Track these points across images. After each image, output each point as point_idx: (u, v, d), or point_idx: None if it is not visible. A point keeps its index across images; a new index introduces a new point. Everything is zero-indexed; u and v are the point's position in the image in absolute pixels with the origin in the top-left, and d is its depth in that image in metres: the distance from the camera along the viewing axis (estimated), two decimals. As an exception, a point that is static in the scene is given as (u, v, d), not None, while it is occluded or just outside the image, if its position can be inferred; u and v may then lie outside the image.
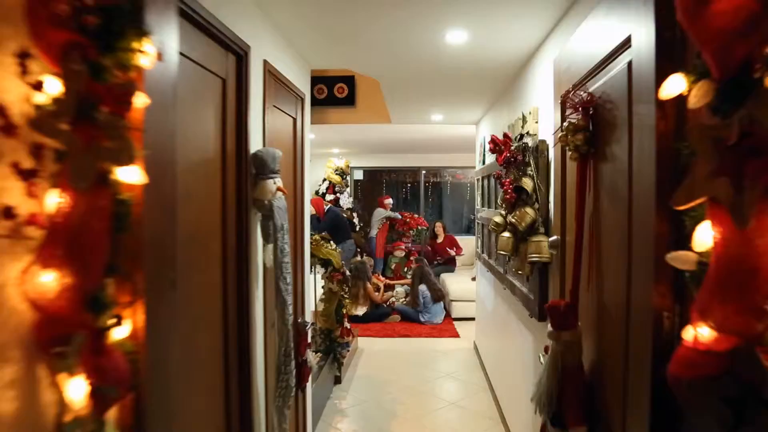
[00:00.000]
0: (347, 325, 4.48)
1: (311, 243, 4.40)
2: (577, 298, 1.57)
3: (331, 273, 4.41)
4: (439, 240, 8.82)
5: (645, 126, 1.13)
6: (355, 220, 8.31)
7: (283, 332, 2.17)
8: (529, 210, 2.50)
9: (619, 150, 1.33)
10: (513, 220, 2.52)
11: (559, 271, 1.93)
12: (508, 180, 2.60)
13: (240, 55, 2.03)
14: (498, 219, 2.82)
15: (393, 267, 8.83)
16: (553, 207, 2.44)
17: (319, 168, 8.77)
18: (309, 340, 3.02)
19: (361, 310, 6.87)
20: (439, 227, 8.89)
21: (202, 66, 1.75)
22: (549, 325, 1.58)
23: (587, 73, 1.61)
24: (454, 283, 7.36)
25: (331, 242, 7.98)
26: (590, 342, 1.55)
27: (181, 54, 1.59)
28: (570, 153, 1.57)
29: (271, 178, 2.12)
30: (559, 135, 1.58)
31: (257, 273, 2.23)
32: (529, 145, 2.62)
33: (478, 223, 5.16)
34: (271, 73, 2.41)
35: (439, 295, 6.90)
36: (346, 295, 4.46)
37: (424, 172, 10.25)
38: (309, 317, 3.25)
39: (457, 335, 6.40)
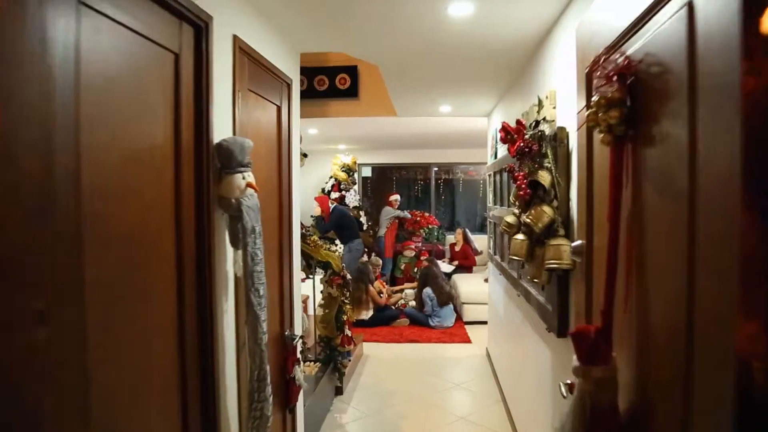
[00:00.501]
0: (348, 332, 4.15)
1: (309, 244, 4.08)
2: (611, 320, 1.22)
3: (331, 277, 4.08)
4: (457, 248, 8.48)
5: (722, 87, 0.78)
6: (363, 219, 7.98)
7: (255, 353, 1.84)
8: (546, 208, 2.14)
9: (674, 127, 0.98)
10: (528, 221, 2.17)
11: (584, 282, 1.58)
12: (521, 174, 2.24)
13: (198, 27, 1.70)
14: (510, 219, 2.47)
15: (402, 267, 8.49)
16: (575, 205, 2.09)
17: (326, 165, 8.45)
18: (298, 354, 2.70)
19: (366, 315, 6.54)
20: (458, 234, 8.57)
21: (144, 36, 1.42)
22: (574, 357, 1.23)
23: (622, 35, 1.26)
24: (466, 284, 6.99)
25: (336, 242, 7.64)
26: (629, 377, 1.20)
27: (113, 20, 1.27)
28: (601, 136, 1.21)
29: (240, 172, 1.79)
30: (587, 113, 1.22)
31: (226, 283, 1.91)
32: (546, 132, 2.27)
33: (489, 222, 4.79)
34: (244, 52, 2.08)
35: (445, 299, 6.53)
36: (346, 301, 4.13)
37: (435, 169, 9.88)
38: (299, 328, 2.93)
39: (468, 340, 6.04)
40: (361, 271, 6.71)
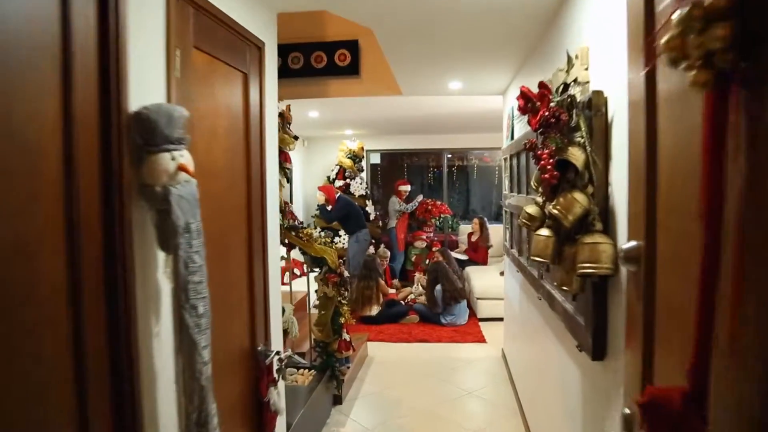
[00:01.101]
0: (346, 336, 3.70)
1: (302, 238, 3.63)
2: (707, 381, 0.74)
3: (326, 274, 3.63)
4: (474, 238, 7.99)
5: None
6: (369, 209, 7.51)
7: (193, 390, 1.39)
8: (578, 196, 1.66)
9: None
10: (555, 212, 1.68)
11: (641, 303, 1.10)
12: (546, 152, 1.75)
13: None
14: (531, 209, 1.98)
15: (413, 259, 8.03)
16: (617, 191, 1.60)
17: (331, 152, 7.99)
18: (274, 373, 2.26)
19: (373, 311, 6.10)
20: (475, 224, 8.07)
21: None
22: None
23: None
24: (480, 278, 6.51)
25: (340, 233, 7.18)
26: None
27: None
28: (689, 75, 0.73)
29: (168, 150, 1.33)
30: (667, 40, 0.74)
31: (156, 297, 1.46)
32: (578, 98, 1.77)
33: (505, 211, 4.30)
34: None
35: (455, 296, 6.04)
36: (344, 301, 3.68)
37: (448, 155, 9.36)
38: (277, 341, 2.48)
39: (482, 339, 5.57)
40: (368, 265, 6.26)
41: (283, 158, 3.62)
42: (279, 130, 3.51)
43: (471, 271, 7.02)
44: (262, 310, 2.26)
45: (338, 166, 7.54)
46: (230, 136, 1.99)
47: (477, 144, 8.78)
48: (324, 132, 8.14)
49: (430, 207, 8.25)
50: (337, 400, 3.91)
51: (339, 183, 7.28)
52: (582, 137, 1.70)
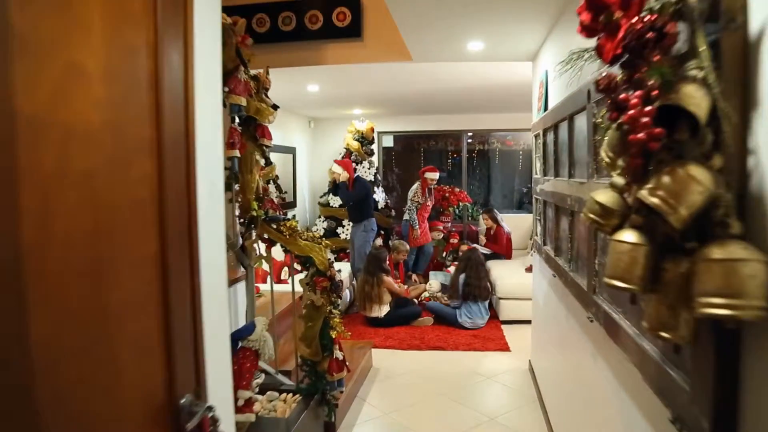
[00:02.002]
0: (339, 354, 2.99)
1: (284, 233, 2.93)
2: None
3: (313, 278, 2.92)
4: (492, 231, 7.20)
5: None
6: (379, 196, 6.78)
7: None
8: (697, 172, 0.90)
9: None
10: (653, 201, 0.93)
11: None
12: (638, 94, 0.98)
13: None
14: (605, 197, 1.18)
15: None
16: (765, 161, 0.85)
17: (339, 135, 7.28)
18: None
19: (380, 312, 5.38)
20: (485, 219, 7.14)
21: None
22: None
23: None
24: (503, 275, 5.75)
25: (344, 222, 6.44)
26: None
27: None
28: None
29: None
30: None
31: None
32: (693, 3, 1.01)
33: (536, 199, 3.54)
34: None
35: (476, 293, 5.30)
36: (335, 311, 2.96)
37: (469, 139, 8.56)
38: (221, 387, 1.78)
39: (506, 347, 4.83)
40: (373, 258, 5.55)
41: (260, 132, 2.91)
42: (252, 97, 2.80)
43: (493, 266, 6.25)
44: (188, 345, 1.55)
45: (346, 149, 6.81)
46: (117, 83, 1.26)
47: (501, 125, 7.99)
48: (331, 111, 7.41)
49: (447, 194, 7.49)
50: (330, 428, 3.22)
51: (330, 175, 6.58)
52: (701, 69, 0.95)
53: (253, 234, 3.02)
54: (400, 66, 4.38)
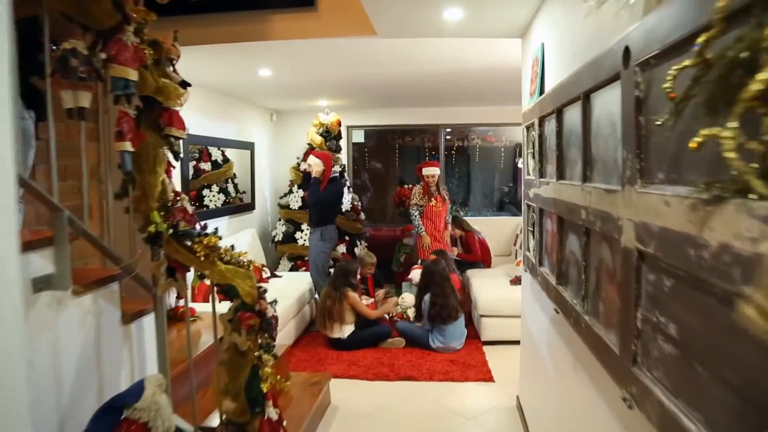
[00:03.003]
0: (273, 412, 2.26)
1: (198, 252, 2.20)
2: None
3: (237, 314, 2.18)
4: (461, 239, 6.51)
5: None
6: (345, 198, 6.05)
7: None
8: None
9: None
10: None
11: None
12: None
13: None
14: None
15: (402, 259, 6.59)
16: None
17: (304, 130, 6.52)
18: None
19: (342, 332, 4.66)
20: (454, 231, 6.31)
21: None
22: None
23: None
24: (484, 288, 5.07)
25: (303, 226, 5.69)
26: None
27: None
28: None
29: None
30: None
31: None
32: None
33: (528, 206, 2.85)
34: None
35: (445, 314, 4.59)
36: (267, 356, 2.23)
37: (447, 135, 7.88)
38: None
39: (490, 377, 4.14)
40: (339, 270, 4.83)
41: (166, 119, 2.17)
42: (150, 73, 2.06)
43: (471, 276, 5.58)
44: None
45: (308, 145, 6.07)
46: None
47: (481, 119, 7.30)
48: (295, 103, 6.65)
49: (423, 195, 6.78)
50: (267, 501, 2.49)
51: (305, 165, 5.82)
52: None
53: (162, 254, 2.27)
54: (364, 44, 3.66)
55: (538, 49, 2.67)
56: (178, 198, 2.29)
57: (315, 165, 5.21)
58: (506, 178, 9.32)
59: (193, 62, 4.12)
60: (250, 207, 6.41)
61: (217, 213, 5.53)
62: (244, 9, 3.28)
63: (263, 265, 5.59)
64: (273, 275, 5.68)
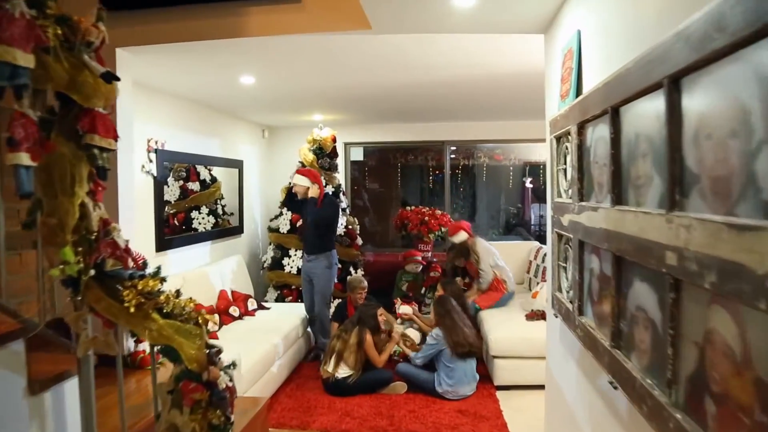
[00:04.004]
0: None
1: (127, 301, 1.65)
2: None
3: (180, 383, 1.62)
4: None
5: None
6: (342, 221, 5.50)
7: None
8: None
9: None
10: None
11: None
12: None
13: None
14: None
15: (404, 288, 6.01)
16: None
17: (296, 147, 5.99)
18: None
19: (345, 373, 4.08)
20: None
21: None
22: None
23: None
24: (496, 326, 4.48)
25: (291, 251, 5.19)
26: None
27: None
28: None
29: None
30: None
31: None
32: None
33: (559, 235, 2.29)
34: None
35: (464, 352, 4.03)
36: (220, 442, 1.66)
37: (452, 155, 7.35)
38: None
39: (505, 431, 3.54)
40: (362, 315, 4.30)
41: (87, 125, 1.64)
42: (56, 60, 1.54)
43: (484, 314, 4.99)
44: None
45: (300, 163, 5.54)
46: None
47: (490, 135, 6.77)
48: (287, 118, 6.14)
49: (427, 218, 6.24)
50: None
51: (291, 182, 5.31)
52: None
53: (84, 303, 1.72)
54: (357, 44, 3.15)
55: (571, 38, 2.13)
56: (107, 228, 1.74)
57: (299, 184, 4.66)
58: (514, 199, 8.81)
59: (164, 69, 3.61)
60: (237, 230, 5.86)
61: (198, 238, 4.98)
62: (216, 1, 2.77)
63: (248, 297, 5.02)
64: (260, 307, 5.11)
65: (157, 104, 4.27)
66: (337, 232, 5.18)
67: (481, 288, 5.11)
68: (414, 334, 4.68)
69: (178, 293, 1.76)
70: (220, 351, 1.72)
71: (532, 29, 2.73)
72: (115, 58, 2.93)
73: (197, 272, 4.47)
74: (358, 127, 6.73)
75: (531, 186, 8.73)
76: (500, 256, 5.39)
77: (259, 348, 3.93)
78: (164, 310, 1.67)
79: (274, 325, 4.57)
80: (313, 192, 4.67)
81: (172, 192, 4.73)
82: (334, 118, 6.05)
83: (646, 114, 1.27)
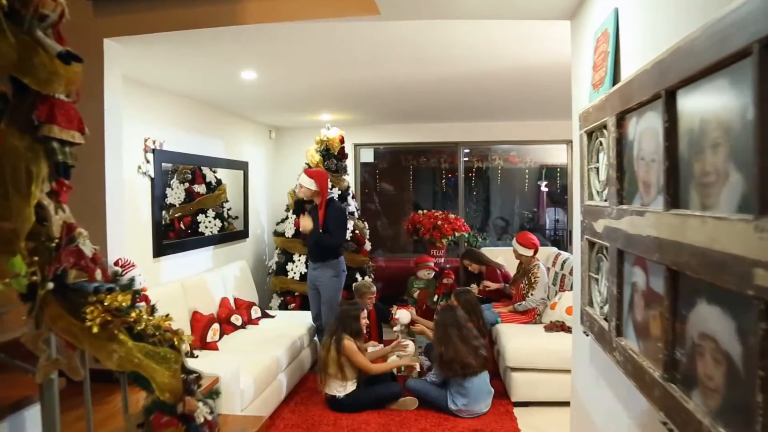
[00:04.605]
0: None
1: (90, 319, 1.41)
2: None
3: (151, 416, 1.39)
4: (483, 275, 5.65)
5: None
6: (350, 225, 5.25)
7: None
8: None
9: None
10: None
11: None
12: None
13: None
14: None
15: (416, 295, 5.74)
16: None
17: (308, 147, 5.74)
18: None
19: (345, 388, 3.82)
20: (472, 266, 5.63)
21: None
22: None
23: None
24: (513, 335, 4.21)
25: (295, 257, 4.98)
26: None
27: None
28: None
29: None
30: None
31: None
32: None
33: (591, 243, 2.02)
34: None
35: (462, 371, 3.74)
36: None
37: (465, 157, 7.07)
38: None
39: (525, 455, 3.27)
40: (345, 314, 4.02)
41: (44, 114, 1.41)
42: (3, 34, 1.30)
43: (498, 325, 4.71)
44: None
45: (306, 165, 5.31)
46: None
47: (507, 135, 6.50)
48: (294, 118, 5.91)
49: (440, 222, 5.97)
50: None
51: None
52: None
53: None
54: (364, 33, 2.91)
55: (607, 19, 1.87)
56: (72, 235, 1.52)
57: (305, 186, 4.39)
58: (529, 203, 8.53)
59: (158, 63, 3.40)
60: (242, 235, 5.64)
61: (200, 242, 4.76)
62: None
63: (252, 304, 4.78)
64: (264, 315, 4.87)
65: (154, 102, 4.06)
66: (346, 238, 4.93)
67: (517, 309, 4.74)
68: (410, 347, 4.34)
69: (152, 309, 1.53)
70: (199, 378, 1.48)
71: (558, 14, 2.46)
72: (103, 50, 2.71)
73: (197, 279, 4.24)
74: (369, 128, 6.48)
75: (546, 190, 8.43)
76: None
77: (261, 360, 3.69)
78: (135, 330, 1.43)
79: (278, 334, 4.33)
80: (308, 195, 4.41)
81: (176, 195, 4.53)
82: (343, 118, 5.81)
83: (720, 94, 1.02)
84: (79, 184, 2.72)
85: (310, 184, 4.36)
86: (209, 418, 1.44)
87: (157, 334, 1.45)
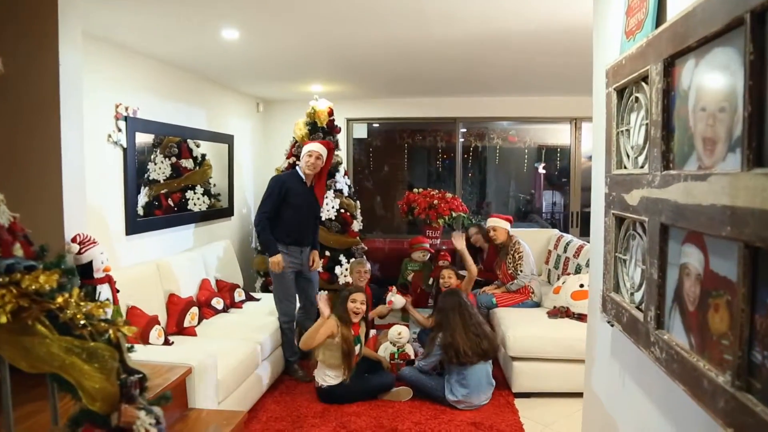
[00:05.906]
0: None
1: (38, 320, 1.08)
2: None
3: (80, 427, 1.10)
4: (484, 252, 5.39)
5: None
6: (329, 204, 4.94)
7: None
8: None
9: None
10: None
11: None
12: None
13: None
14: None
15: (410, 278, 5.46)
16: None
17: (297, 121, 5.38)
18: None
19: (333, 378, 3.54)
20: (477, 236, 5.40)
21: None
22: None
23: None
24: (514, 321, 3.93)
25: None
26: None
27: None
28: None
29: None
30: None
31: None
32: None
33: (619, 217, 1.72)
34: None
35: (478, 353, 3.48)
36: None
37: (462, 138, 6.74)
38: None
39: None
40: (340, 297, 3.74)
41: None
42: None
43: (498, 311, 4.43)
44: None
45: (293, 139, 4.98)
46: None
47: (507, 111, 6.18)
48: (283, 89, 5.56)
49: (436, 202, 5.67)
50: None
51: (284, 164, 4.74)
52: None
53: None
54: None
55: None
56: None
57: (322, 156, 4.03)
58: (526, 185, 8.26)
59: (125, 18, 3.04)
60: (227, 213, 5.32)
61: (181, 220, 4.44)
62: None
63: (236, 286, 4.49)
64: (249, 298, 4.58)
65: (127, 66, 3.71)
66: (324, 217, 4.65)
67: (510, 289, 4.51)
68: (404, 330, 4.05)
69: (87, 294, 1.22)
70: (143, 379, 1.18)
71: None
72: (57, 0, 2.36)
73: (175, 259, 3.93)
74: (362, 102, 6.15)
75: (544, 172, 8.13)
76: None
77: (242, 346, 3.41)
78: (60, 319, 1.13)
79: (263, 318, 4.04)
80: (315, 165, 4.01)
81: (161, 170, 4.20)
82: (335, 90, 5.47)
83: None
84: (24, 146, 2.41)
85: (323, 153, 3.99)
86: (153, 431, 1.14)
87: (90, 325, 1.14)
